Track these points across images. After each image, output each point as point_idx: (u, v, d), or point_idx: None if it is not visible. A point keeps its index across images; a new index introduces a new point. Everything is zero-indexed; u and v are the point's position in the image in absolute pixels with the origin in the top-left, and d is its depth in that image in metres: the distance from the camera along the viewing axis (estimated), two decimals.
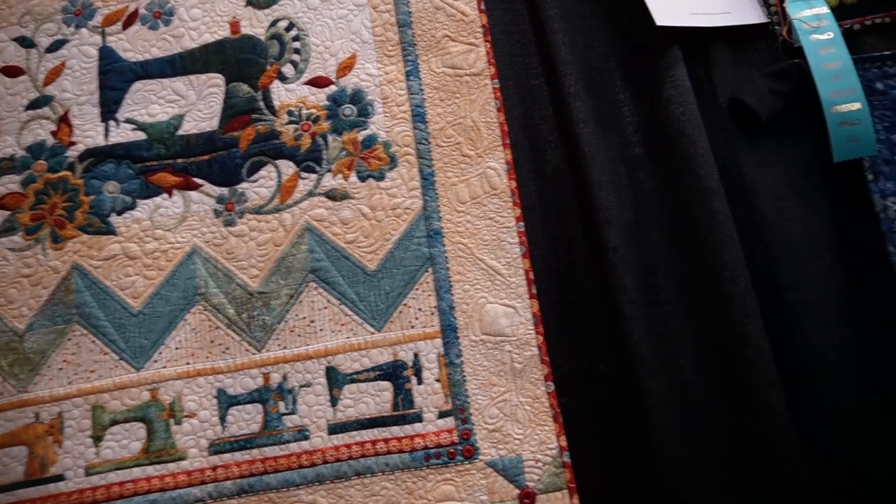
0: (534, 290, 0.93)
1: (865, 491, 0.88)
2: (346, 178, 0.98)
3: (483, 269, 0.93)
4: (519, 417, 0.88)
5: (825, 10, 1.01)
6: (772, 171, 0.99)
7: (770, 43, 1.03)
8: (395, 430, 0.89)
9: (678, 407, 0.88)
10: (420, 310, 0.93)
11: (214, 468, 0.89)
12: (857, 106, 0.96)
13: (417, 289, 0.94)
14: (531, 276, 0.93)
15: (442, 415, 0.89)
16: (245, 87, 1.02)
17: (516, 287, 0.93)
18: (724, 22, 0.99)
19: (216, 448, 0.90)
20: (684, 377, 0.92)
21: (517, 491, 0.86)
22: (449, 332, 0.92)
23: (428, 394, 0.90)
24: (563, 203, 0.99)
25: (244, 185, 0.99)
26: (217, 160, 1.00)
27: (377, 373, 0.92)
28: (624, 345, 0.90)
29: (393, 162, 0.98)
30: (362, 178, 0.98)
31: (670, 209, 0.96)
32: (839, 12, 1.02)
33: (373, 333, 0.92)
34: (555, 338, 0.92)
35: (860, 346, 0.94)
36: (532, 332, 0.91)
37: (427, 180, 0.97)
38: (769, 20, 1.02)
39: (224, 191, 0.99)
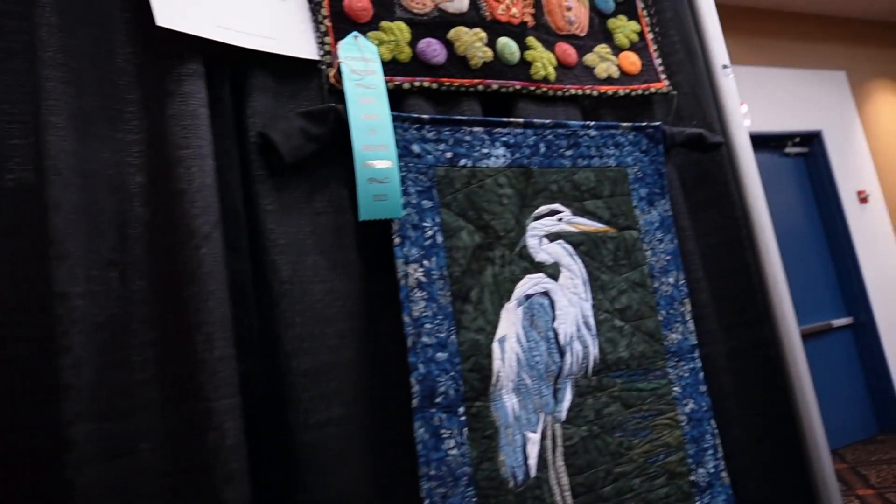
0: None
1: None
2: None
3: None
4: None
5: (375, 60, 0.96)
6: (297, 220, 0.88)
7: (322, 83, 0.94)
8: None
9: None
10: None
11: None
12: (387, 164, 0.91)
13: None
14: None
15: None
16: None
17: None
18: (263, 47, 0.87)
19: None
20: (141, 462, 0.72)
21: None
22: None
23: None
24: (21, 227, 0.75)
25: None
26: None
27: None
28: (50, 423, 0.68)
29: None
30: None
31: (158, 251, 0.78)
32: (390, 67, 0.98)
33: None
34: None
35: (364, 420, 0.87)
36: None
37: None
38: (319, 58, 0.93)
39: None
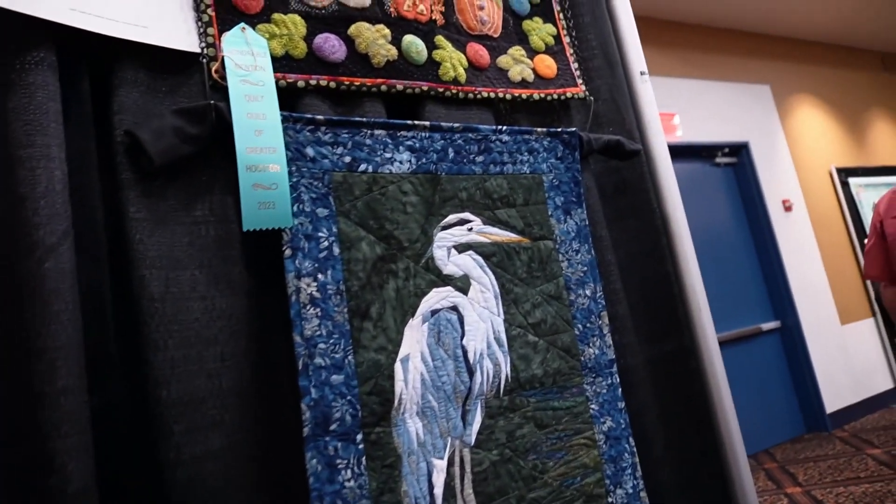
0: None
1: None
2: None
3: None
4: None
5: (265, 55, 0.88)
6: (173, 230, 0.79)
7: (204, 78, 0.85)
8: None
9: None
10: None
11: None
12: (275, 168, 0.83)
13: None
14: None
15: None
16: None
17: None
18: (129, 35, 0.78)
19: None
20: None
21: None
22: None
23: None
24: None
25: None
26: None
27: None
28: None
29: None
30: None
31: None
32: (283, 63, 0.90)
33: None
34: None
35: (249, 453, 0.78)
36: None
37: None
38: (201, 51, 0.84)
39: None
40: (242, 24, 0.88)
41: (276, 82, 0.88)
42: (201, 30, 0.85)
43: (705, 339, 1.17)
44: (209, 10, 0.86)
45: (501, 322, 0.97)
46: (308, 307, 0.83)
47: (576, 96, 1.17)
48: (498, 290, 0.98)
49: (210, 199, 0.83)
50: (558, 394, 0.99)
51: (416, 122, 0.96)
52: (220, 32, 0.86)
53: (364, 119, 0.92)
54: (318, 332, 0.83)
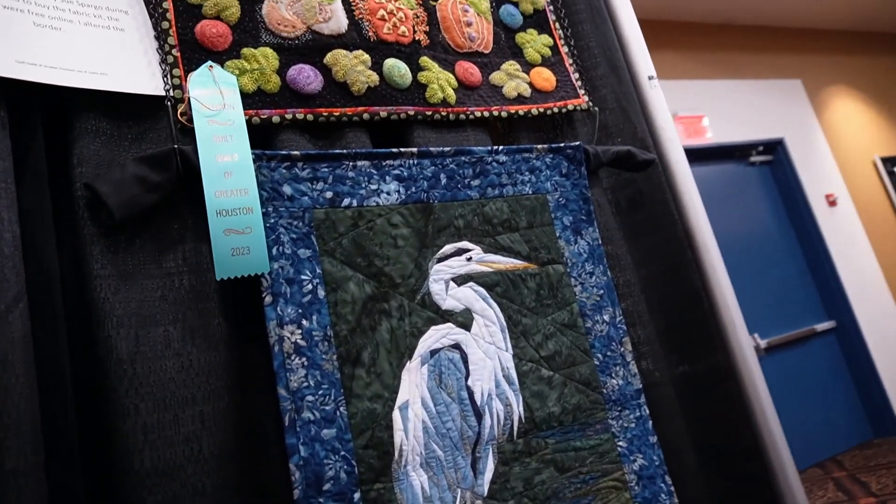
0: None
1: None
2: None
3: None
4: None
5: (234, 93, 0.83)
6: (142, 285, 0.74)
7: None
8: None
9: None
10: None
11: None
12: (248, 210, 0.77)
13: None
14: None
15: None
16: None
17: None
18: (86, 84, 0.74)
19: None
20: None
21: None
22: None
23: None
24: None
25: None
26: None
27: None
28: None
29: None
30: None
31: None
32: (256, 99, 0.85)
33: None
34: None
35: None
36: None
37: None
38: (166, 93, 0.80)
39: None
40: (209, 63, 0.83)
41: (250, 120, 0.83)
42: (166, 71, 0.81)
43: (743, 356, 1.06)
44: (174, 51, 0.82)
45: (510, 357, 0.89)
46: (293, 357, 0.76)
47: (578, 108, 1.09)
48: (504, 323, 0.90)
49: (182, 248, 0.78)
50: (580, 432, 0.90)
51: (403, 150, 0.90)
52: (187, 73, 0.82)
53: (344, 151, 0.86)
54: (306, 384, 0.76)
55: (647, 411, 0.95)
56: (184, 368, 0.73)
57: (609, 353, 0.96)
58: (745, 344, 1.06)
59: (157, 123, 0.81)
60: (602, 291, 0.98)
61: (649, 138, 1.16)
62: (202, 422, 0.73)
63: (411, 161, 0.90)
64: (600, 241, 1.01)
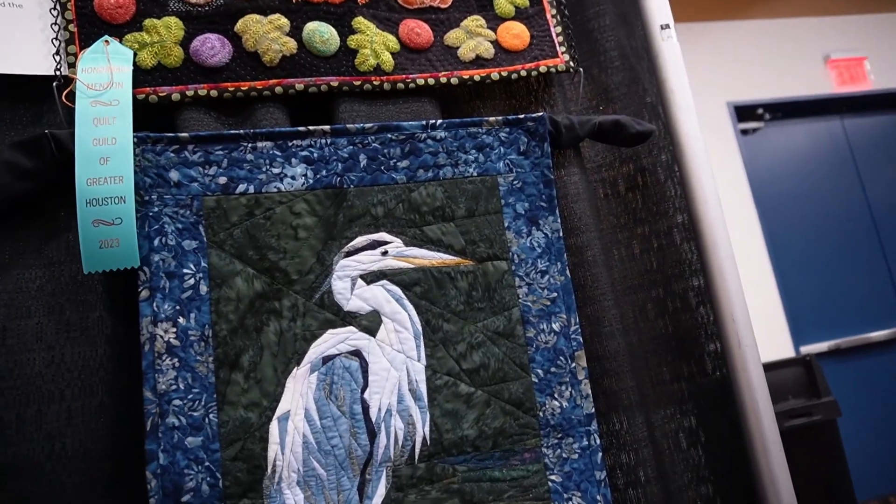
0: None
1: None
2: None
3: None
4: None
5: (127, 69, 0.77)
6: (17, 275, 0.73)
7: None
8: None
9: None
10: None
11: None
12: (122, 200, 0.72)
13: None
14: None
15: None
16: None
17: None
18: None
19: None
20: None
21: None
22: None
23: None
24: None
25: None
26: None
27: None
28: None
29: None
30: None
31: None
32: (156, 75, 0.79)
33: None
34: None
35: None
36: None
37: None
38: (55, 73, 0.77)
39: None
40: (105, 37, 0.78)
41: (146, 98, 0.77)
42: (60, 49, 0.77)
43: (748, 381, 0.85)
44: (70, 26, 0.78)
45: (422, 369, 0.78)
46: (164, 357, 0.72)
47: (554, 69, 0.90)
48: (420, 329, 0.79)
49: (68, 237, 0.75)
50: (501, 460, 0.77)
51: (313, 128, 0.80)
52: (84, 49, 0.77)
53: (242, 132, 0.78)
54: (175, 386, 0.71)
55: (598, 442, 0.80)
56: (52, 363, 0.71)
57: (554, 370, 0.81)
58: (751, 366, 0.85)
59: (53, 106, 0.78)
60: (555, 294, 0.83)
61: (660, 107, 0.95)
62: (67, 419, 0.71)
63: (323, 140, 0.80)
64: (561, 234, 0.84)
